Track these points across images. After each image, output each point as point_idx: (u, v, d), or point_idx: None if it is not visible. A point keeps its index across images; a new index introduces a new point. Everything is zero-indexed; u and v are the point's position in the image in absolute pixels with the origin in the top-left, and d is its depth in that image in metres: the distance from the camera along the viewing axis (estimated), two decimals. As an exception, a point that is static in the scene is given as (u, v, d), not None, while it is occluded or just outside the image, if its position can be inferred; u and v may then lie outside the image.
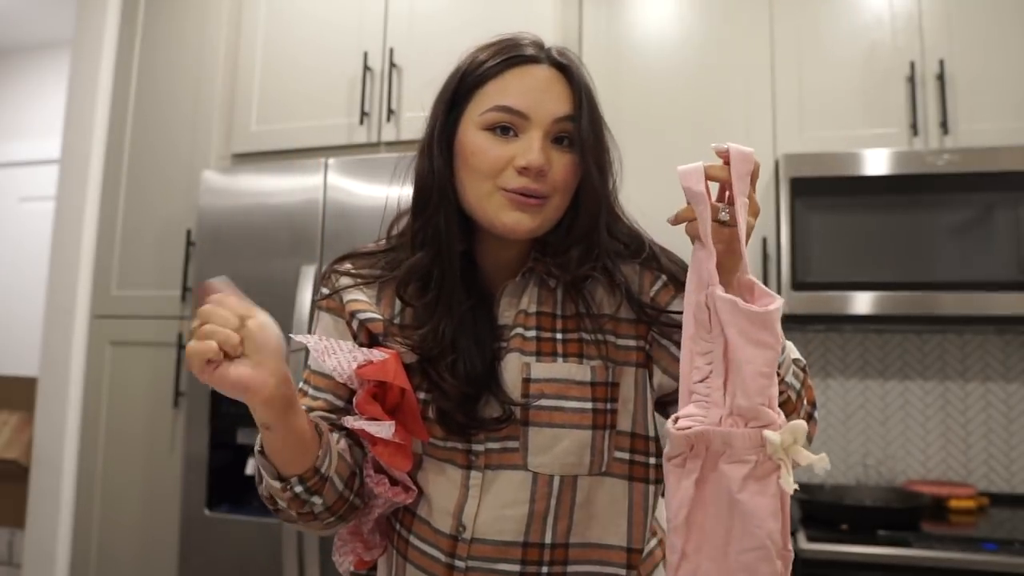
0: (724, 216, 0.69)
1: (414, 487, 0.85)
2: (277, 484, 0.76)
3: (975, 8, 2.08)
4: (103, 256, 2.37)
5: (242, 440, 2.01)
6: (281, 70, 2.29)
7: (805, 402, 0.81)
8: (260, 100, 2.30)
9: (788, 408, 0.78)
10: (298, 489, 0.77)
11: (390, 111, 2.16)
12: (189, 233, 2.25)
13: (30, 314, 3.19)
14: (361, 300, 0.90)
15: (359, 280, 0.91)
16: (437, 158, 0.85)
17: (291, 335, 0.86)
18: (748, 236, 0.71)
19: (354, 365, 0.82)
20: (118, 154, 2.41)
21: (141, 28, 2.46)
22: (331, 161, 2.04)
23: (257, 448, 0.78)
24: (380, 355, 0.83)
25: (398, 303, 0.88)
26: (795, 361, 0.80)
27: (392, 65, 2.18)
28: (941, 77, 2.06)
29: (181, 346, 2.20)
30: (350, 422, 0.81)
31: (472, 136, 0.83)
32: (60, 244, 2.38)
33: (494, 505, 0.82)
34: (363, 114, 2.17)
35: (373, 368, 0.81)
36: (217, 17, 2.38)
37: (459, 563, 0.82)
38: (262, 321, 0.71)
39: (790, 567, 0.72)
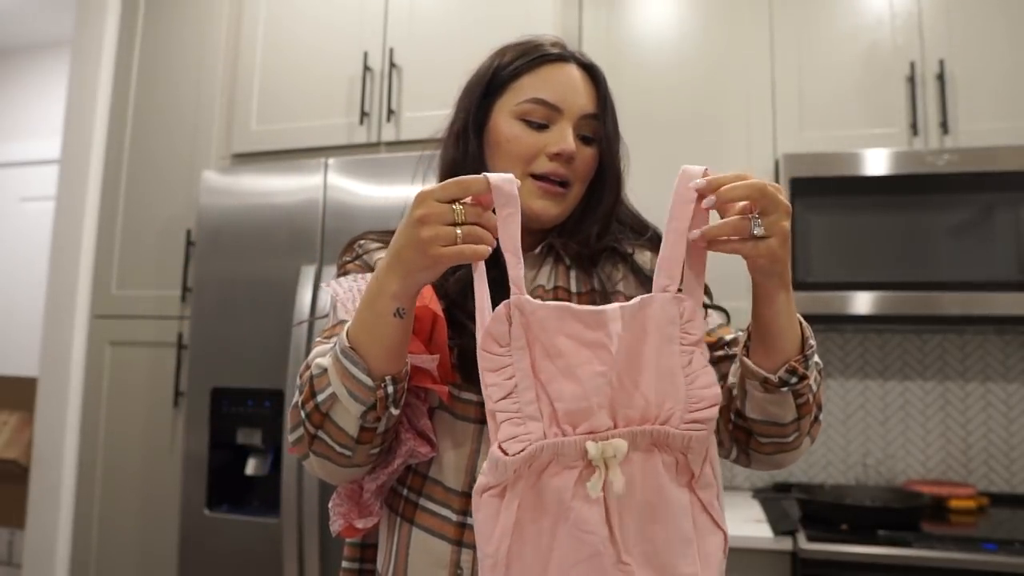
0: (758, 230, 0.69)
1: (435, 439, 0.84)
2: (370, 382, 0.73)
3: (975, 8, 2.08)
4: (103, 256, 2.38)
5: (242, 440, 2.01)
6: (281, 70, 2.29)
7: (815, 405, 0.82)
8: (260, 100, 2.30)
9: (804, 409, 0.79)
10: (390, 389, 0.74)
11: (390, 111, 2.16)
12: (189, 233, 2.25)
13: (30, 314, 3.19)
14: None
15: (384, 244, 0.95)
16: (472, 143, 0.91)
17: (323, 284, 0.87)
18: (763, 247, 0.72)
19: None
20: (118, 154, 2.41)
21: (141, 28, 2.46)
22: (331, 161, 2.04)
23: (347, 345, 0.75)
24: None
25: None
26: (816, 363, 0.82)
27: (392, 65, 2.18)
28: (941, 77, 2.06)
29: (181, 346, 2.21)
30: None
31: (506, 124, 0.90)
32: (60, 244, 2.38)
33: None
34: (363, 114, 2.17)
35: None
36: (217, 17, 2.38)
37: (471, 520, 0.80)
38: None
39: None
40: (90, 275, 2.38)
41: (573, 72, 0.91)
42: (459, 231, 0.68)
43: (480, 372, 0.69)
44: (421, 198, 0.70)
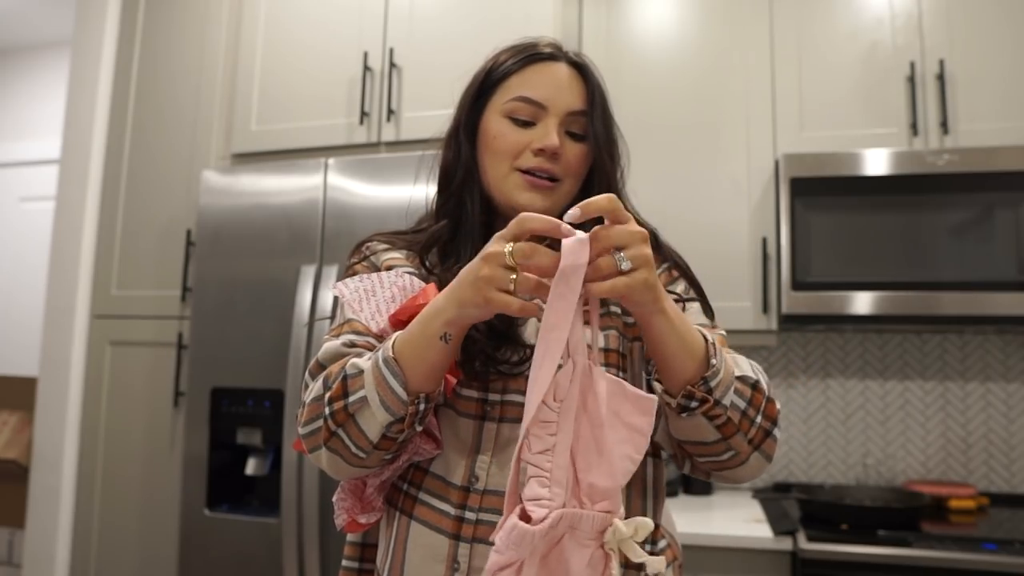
0: (625, 264, 0.67)
1: (440, 438, 0.85)
2: (405, 396, 0.75)
3: (975, 8, 2.08)
4: (103, 256, 2.37)
5: (242, 440, 2.01)
6: (281, 70, 2.29)
7: (759, 419, 0.79)
8: (260, 100, 2.30)
9: (727, 429, 0.78)
10: (422, 407, 0.76)
11: (390, 111, 2.16)
12: (189, 233, 2.25)
13: (30, 314, 3.19)
14: (398, 257, 0.94)
15: (391, 245, 0.96)
16: (464, 144, 0.93)
17: (331, 287, 0.88)
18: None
19: (393, 306, 0.85)
20: (118, 154, 2.41)
21: (141, 28, 2.46)
22: (331, 161, 2.04)
23: (391, 355, 0.75)
24: (420, 283, 0.86)
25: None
26: (741, 379, 0.79)
27: (392, 65, 2.18)
28: (941, 77, 2.06)
29: (181, 346, 2.20)
30: None
31: (495, 122, 0.91)
32: (60, 244, 2.38)
33: (508, 457, 0.82)
34: (363, 114, 2.17)
35: (412, 299, 0.83)
36: (217, 17, 2.38)
37: (469, 515, 0.82)
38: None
39: None
40: (90, 275, 2.38)
41: (561, 70, 0.92)
42: (512, 276, 0.68)
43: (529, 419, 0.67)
44: (495, 237, 0.70)
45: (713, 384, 0.75)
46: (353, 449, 0.78)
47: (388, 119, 2.16)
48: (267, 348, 1.98)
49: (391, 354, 0.76)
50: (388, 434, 0.76)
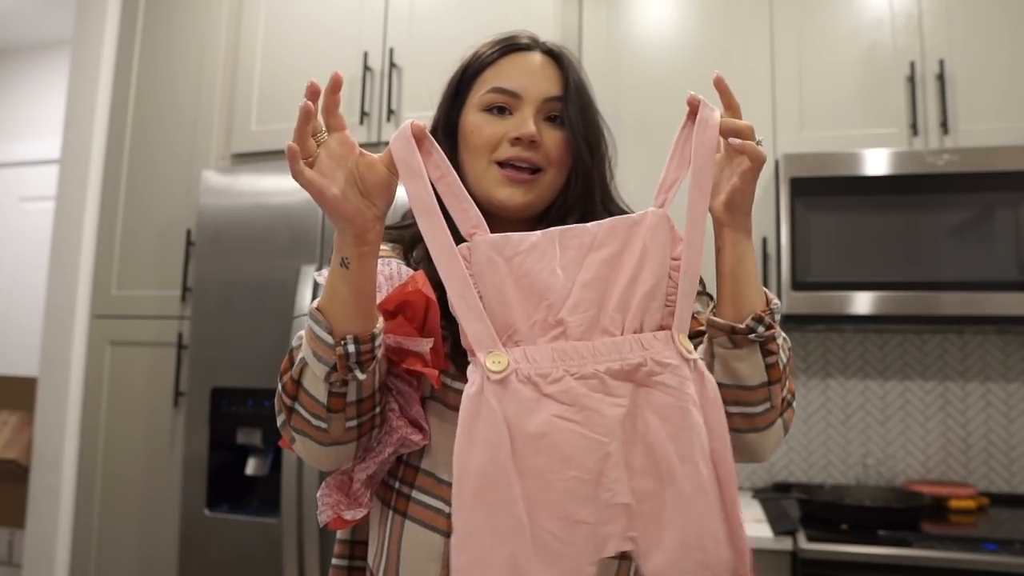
0: (760, 137, 0.76)
1: (427, 427, 0.84)
2: (330, 340, 0.73)
3: (975, 8, 2.09)
4: (103, 256, 2.38)
5: (242, 440, 2.01)
6: (281, 70, 2.29)
7: (787, 382, 0.83)
8: (260, 100, 2.30)
9: (774, 372, 0.80)
10: (351, 349, 0.73)
11: (390, 111, 2.16)
12: (189, 233, 2.25)
13: (30, 314, 3.19)
14: (385, 249, 0.93)
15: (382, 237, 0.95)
16: (443, 143, 0.90)
17: (315, 274, 0.91)
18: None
19: (379, 295, 0.83)
20: (118, 154, 2.41)
21: (141, 28, 2.46)
22: (331, 161, 2.04)
23: (314, 307, 0.75)
24: (408, 271, 0.85)
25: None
26: (783, 338, 0.83)
27: (392, 65, 2.18)
28: (941, 77, 2.06)
29: (181, 346, 2.20)
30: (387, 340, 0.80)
31: (472, 117, 0.91)
32: (60, 244, 2.38)
33: None
34: (363, 114, 2.17)
35: (400, 287, 0.81)
36: (217, 17, 2.38)
37: None
38: (342, 138, 0.75)
39: None
40: (90, 275, 2.38)
41: (534, 58, 0.91)
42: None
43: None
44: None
45: (776, 317, 0.78)
46: (313, 421, 0.77)
47: (388, 119, 2.16)
48: (267, 348, 1.98)
49: (315, 306, 0.75)
50: (333, 389, 0.75)
